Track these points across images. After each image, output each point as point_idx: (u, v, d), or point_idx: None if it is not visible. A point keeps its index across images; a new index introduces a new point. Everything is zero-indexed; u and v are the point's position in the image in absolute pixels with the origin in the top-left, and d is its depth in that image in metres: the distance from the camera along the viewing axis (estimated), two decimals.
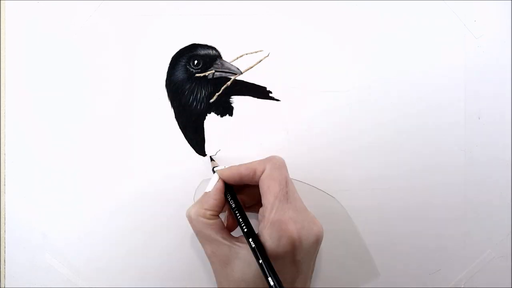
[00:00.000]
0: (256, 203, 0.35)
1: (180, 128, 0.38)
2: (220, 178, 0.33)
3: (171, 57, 0.38)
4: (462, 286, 0.38)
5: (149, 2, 0.38)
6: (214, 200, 0.33)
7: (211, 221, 0.32)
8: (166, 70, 0.38)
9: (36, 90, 0.38)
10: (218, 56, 0.38)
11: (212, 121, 0.38)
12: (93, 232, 0.38)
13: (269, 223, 0.30)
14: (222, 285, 0.32)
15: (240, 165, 0.33)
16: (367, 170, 0.38)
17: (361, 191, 0.38)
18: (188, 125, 0.38)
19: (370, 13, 0.38)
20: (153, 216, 0.38)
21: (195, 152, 0.38)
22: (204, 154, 0.38)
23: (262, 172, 0.32)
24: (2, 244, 0.38)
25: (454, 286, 0.38)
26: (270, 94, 0.38)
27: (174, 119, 0.38)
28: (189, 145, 0.38)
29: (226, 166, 0.34)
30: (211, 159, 0.37)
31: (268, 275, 0.28)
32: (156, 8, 0.38)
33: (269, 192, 0.31)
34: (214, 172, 0.34)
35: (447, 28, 0.38)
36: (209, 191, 0.33)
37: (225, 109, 0.38)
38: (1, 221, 0.38)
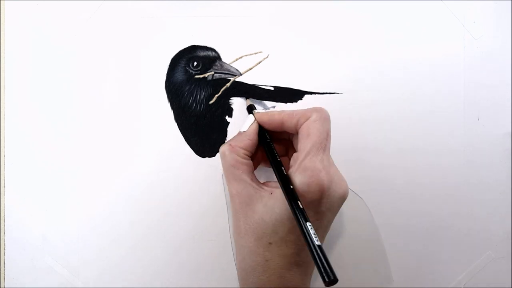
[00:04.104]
0: (281, 155, 0.35)
1: (179, 129, 0.38)
2: (256, 120, 0.34)
3: (170, 58, 0.38)
4: (462, 287, 0.38)
5: (149, 4, 0.38)
6: (249, 140, 0.33)
7: (244, 160, 0.32)
8: (166, 71, 0.38)
9: (36, 91, 0.38)
10: (218, 57, 0.38)
11: (212, 123, 0.38)
12: (92, 233, 0.38)
13: (301, 168, 0.30)
14: (239, 224, 0.32)
15: (282, 110, 0.33)
16: (365, 171, 0.38)
17: (359, 192, 0.38)
18: (187, 126, 0.38)
19: (369, 14, 0.38)
20: (152, 218, 0.38)
21: (194, 153, 0.38)
22: (203, 155, 0.38)
23: (306, 120, 0.31)
24: (2, 245, 0.38)
25: (454, 287, 0.38)
26: (269, 96, 0.38)
27: (174, 121, 0.38)
28: (188, 146, 0.38)
29: (263, 110, 0.34)
30: (246, 98, 0.37)
31: (301, 219, 0.27)
32: (156, 10, 0.38)
33: (308, 138, 0.30)
34: (250, 111, 0.34)
35: (446, 29, 0.38)
36: (245, 131, 0.33)
37: (225, 111, 0.38)
38: (1, 222, 0.38)
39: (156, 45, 0.38)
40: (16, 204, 0.38)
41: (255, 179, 0.33)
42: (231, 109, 0.38)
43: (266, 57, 0.38)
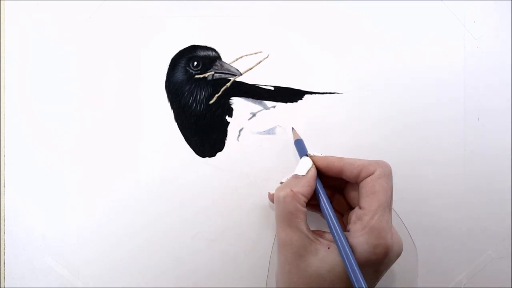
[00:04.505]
0: (332, 200, 0.35)
1: (179, 129, 0.38)
2: (313, 164, 0.32)
3: (170, 58, 0.38)
4: (462, 287, 0.38)
5: (149, 4, 0.38)
6: (309, 186, 0.31)
7: (303, 209, 0.30)
8: (166, 71, 0.38)
9: (36, 91, 0.38)
10: (218, 57, 0.38)
11: (212, 122, 0.38)
12: (92, 233, 0.38)
13: (368, 228, 0.29)
14: (290, 275, 0.30)
15: (342, 158, 0.32)
16: None
17: None
18: (187, 126, 0.38)
19: (369, 14, 0.38)
20: (152, 218, 0.38)
21: (194, 153, 0.38)
22: (203, 155, 0.38)
23: (370, 174, 0.31)
24: (2, 245, 0.38)
25: (454, 287, 0.38)
26: (270, 95, 0.38)
27: (174, 121, 0.38)
28: (188, 146, 0.38)
29: (318, 154, 0.33)
30: (294, 133, 0.36)
31: (356, 281, 0.27)
32: (156, 10, 0.38)
33: (374, 197, 0.30)
34: (300, 150, 0.33)
35: (446, 29, 0.38)
36: (304, 175, 0.32)
37: (225, 111, 0.38)
38: (1, 222, 0.38)
39: (156, 45, 0.38)
40: (16, 204, 0.38)
41: (309, 229, 0.31)
42: (231, 109, 0.38)
43: (266, 57, 0.38)
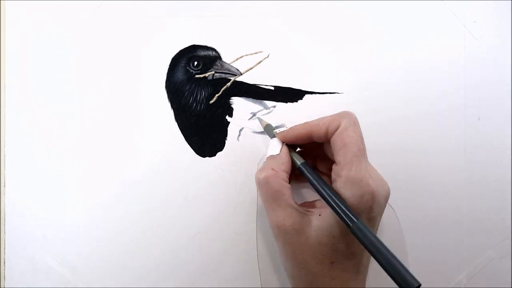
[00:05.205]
0: (314, 160, 0.35)
1: (179, 129, 0.38)
2: (283, 142, 0.33)
3: (171, 58, 0.38)
4: (462, 287, 0.38)
5: (149, 4, 0.38)
6: (287, 162, 0.32)
7: (288, 184, 0.31)
8: (166, 71, 0.38)
9: (36, 91, 0.38)
10: (218, 57, 0.38)
11: (212, 122, 0.38)
12: (93, 233, 0.38)
13: (350, 181, 0.29)
14: (294, 256, 0.31)
15: (306, 123, 0.32)
16: None
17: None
18: (187, 126, 0.38)
19: (369, 14, 0.38)
20: (153, 218, 0.38)
21: (194, 153, 0.38)
22: (203, 155, 0.38)
23: (336, 128, 0.30)
24: (2, 245, 0.38)
25: (454, 287, 0.38)
26: (270, 95, 0.38)
27: (174, 120, 0.38)
28: (188, 146, 0.38)
29: (282, 128, 0.33)
30: (260, 120, 0.37)
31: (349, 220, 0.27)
32: (156, 10, 0.38)
33: (346, 149, 0.30)
34: (269, 132, 0.33)
35: (447, 29, 0.38)
36: (278, 154, 0.32)
37: (225, 110, 0.38)
38: (1, 222, 0.38)
39: (156, 45, 0.38)
40: (17, 204, 0.38)
41: (297, 204, 0.31)
42: (232, 109, 0.38)
43: (267, 57, 0.38)
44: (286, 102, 0.38)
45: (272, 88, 0.38)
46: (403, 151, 0.38)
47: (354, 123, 0.31)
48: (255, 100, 0.38)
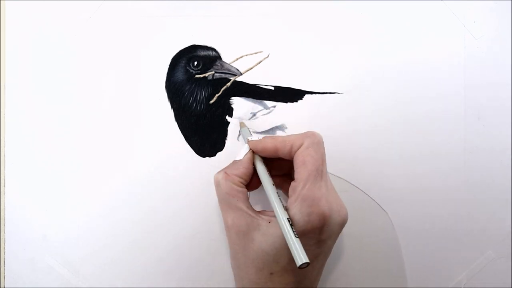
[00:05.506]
0: (282, 175, 0.35)
1: (179, 129, 0.38)
2: (250, 149, 0.33)
3: (171, 58, 0.38)
4: (462, 287, 0.38)
5: (149, 4, 0.38)
6: (244, 168, 0.32)
7: (239, 188, 0.32)
8: (166, 71, 0.38)
9: (36, 91, 0.38)
10: (218, 57, 0.38)
11: (212, 122, 0.38)
12: (93, 233, 0.38)
13: (300, 198, 0.30)
14: (237, 256, 0.31)
15: (275, 137, 0.33)
16: (365, 171, 0.38)
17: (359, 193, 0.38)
18: (187, 126, 0.38)
19: (369, 14, 0.38)
20: (152, 218, 0.38)
21: (194, 153, 0.38)
22: (203, 155, 0.38)
23: (299, 147, 0.31)
24: (2, 244, 0.38)
25: (454, 287, 0.38)
26: (270, 95, 0.38)
27: (174, 120, 0.38)
28: (188, 146, 0.38)
29: (258, 137, 0.33)
30: (241, 123, 0.37)
31: (296, 252, 0.27)
32: (156, 10, 0.38)
33: (304, 167, 0.30)
34: (239, 133, 0.34)
35: (447, 29, 0.38)
36: (240, 160, 0.33)
37: (225, 110, 0.38)
38: (1, 221, 0.38)
39: (156, 45, 0.38)
40: (17, 204, 0.38)
41: (251, 208, 0.32)
42: (232, 109, 0.38)
43: (267, 57, 0.38)
44: (286, 102, 0.38)
45: (272, 88, 0.38)
46: (403, 150, 0.38)
47: (317, 143, 0.31)
48: (255, 100, 0.38)
